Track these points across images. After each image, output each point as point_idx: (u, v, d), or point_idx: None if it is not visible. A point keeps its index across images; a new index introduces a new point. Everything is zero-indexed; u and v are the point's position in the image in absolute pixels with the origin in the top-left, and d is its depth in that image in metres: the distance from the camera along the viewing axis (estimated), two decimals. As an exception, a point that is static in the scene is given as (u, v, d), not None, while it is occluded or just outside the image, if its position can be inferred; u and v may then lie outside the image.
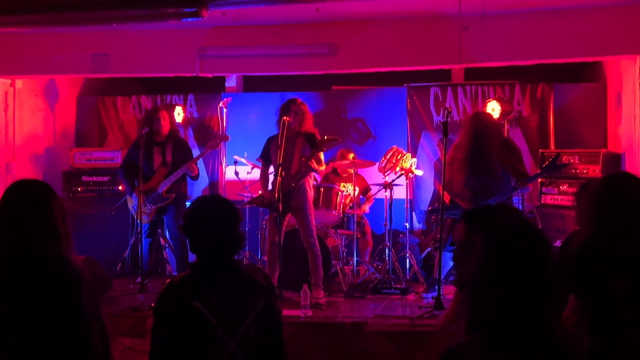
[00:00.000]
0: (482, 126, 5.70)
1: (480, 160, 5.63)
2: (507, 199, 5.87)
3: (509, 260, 1.82)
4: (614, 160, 6.94)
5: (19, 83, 7.93)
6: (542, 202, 6.99)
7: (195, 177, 6.97)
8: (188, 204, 7.27)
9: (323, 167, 6.35)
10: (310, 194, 6.25)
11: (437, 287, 5.54)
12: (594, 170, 6.65)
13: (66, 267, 2.43)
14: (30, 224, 2.46)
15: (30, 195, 2.53)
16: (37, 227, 2.46)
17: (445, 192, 5.78)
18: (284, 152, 5.86)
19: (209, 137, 8.19)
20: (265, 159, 6.40)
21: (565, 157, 6.85)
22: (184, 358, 2.54)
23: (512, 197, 6.06)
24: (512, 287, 1.80)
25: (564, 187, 6.81)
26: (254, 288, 2.67)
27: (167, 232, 7.23)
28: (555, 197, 6.89)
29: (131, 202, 6.91)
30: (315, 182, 6.99)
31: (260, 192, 6.70)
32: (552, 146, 7.60)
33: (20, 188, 2.58)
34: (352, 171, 7.21)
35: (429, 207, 7.82)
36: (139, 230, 6.62)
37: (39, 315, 2.36)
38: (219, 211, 2.72)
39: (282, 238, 5.83)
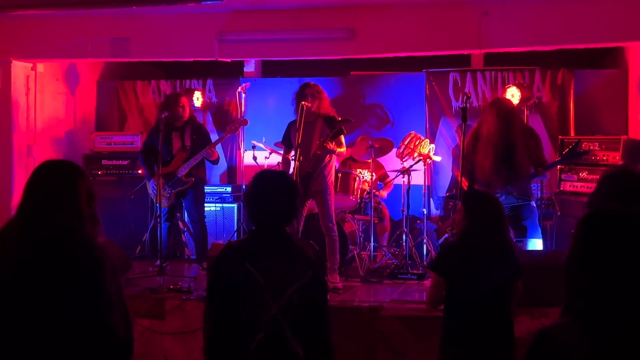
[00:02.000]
0: (507, 113, 5.68)
1: (504, 147, 5.61)
2: (526, 185, 5.87)
3: (607, 245, 1.78)
4: (635, 147, 6.86)
5: (40, 67, 8.01)
6: (561, 189, 6.94)
7: (215, 162, 7.03)
8: (206, 188, 7.32)
9: (343, 149, 6.33)
10: (332, 178, 6.26)
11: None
12: (614, 157, 6.59)
13: (90, 245, 2.46)
14: (53, 202, 2.49)
15: (55, 174, 2.57)
16: (61, 206, 2.49)
17: (463, 179, 5.77)
18: (303, 135, 5.87)
19: (227, 121, 8.24)
20: (286, 144, 6.43)
21: (585, 143, 6.77)
22: (234, 313, 2.73)
23: (531, 183, 6.05)
24: (611, 273, 1.75)
25: (584, 174, 6.76)
26: (303, 260, 2.84)
27: (186, 216, 7.29)
28: (575, 184, 6.84)
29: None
30: (337, 164, 6.99)
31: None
32: (572, 133, 7.54)
33: (46, 167, 2.61)
34: (369, 160, 7.20)
35: (447, 193, 7.81)
36: (158, 214, 6.68)
37: (62, 294, 2.39)
38: (272, 185, 2.96)
39: (302, 222, 5.84)
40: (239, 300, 2.73)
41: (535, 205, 6.01)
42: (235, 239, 7.69)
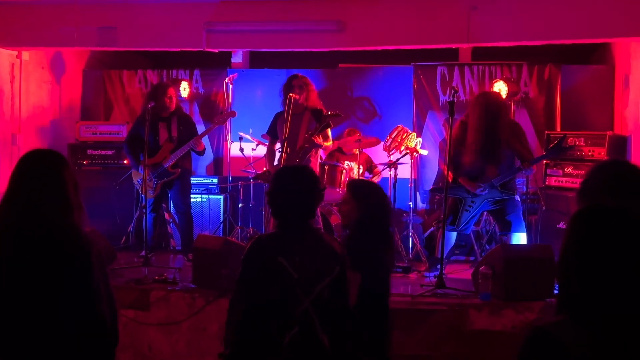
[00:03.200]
0: (494, 107, 5.73)
1: (490, 141, 5.68)
2: (510, 179, 5.91)
3: (605, 242, 1.76)
4: (620, 143, 6.92)
5: (25, 55, 7.92)
6: (547, 183, 6.98)
7: (202, 152, 7.00)
8: (192, 179, 7.29)
9: (330, 143, 6.35)
10: (316, 171, 6.25)
11: (439, 267, 5.58)
12: (600, 153, 6.64)
13: (77, 234, 2.46)
14: (40, 191, 2.48)
15: (42, 164, 2.56)
16: (48, 194, 2.48)
17: (449, 172, 5.80)
18: (290, 128, 5.86)
19: (214, 112, 8.21)
20: (272, 135, 6.44)
21: (571, 139, 6.83)
22: (264, 307, 2.78)
23: (516, 178, 6.09)
24: (609, 270, 1.73)
25: (569, 169, 6.80)
26: (331, 254, 2.91)
27: (172, 207, 7.26)
28: (560, 179, 6.88)
29: (137, 177, 6.93)
30: (320, 160, 7.00)
31: (265, 168, 6.73)
32: (558, 128, 7.58)
33: (32, 156, 2.61)
34: (357, 151, 7.19)
35: (432, 186, 7.83)
36: (143, 204, 6.65)
37: (49, 283, 2.39)
38: (297, 179, 3.00)
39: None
40: (272, 294, 2.78)
41: (519, 199, 6.06)
42: (222, 230, 7.68)
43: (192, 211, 7.04)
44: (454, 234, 6.12)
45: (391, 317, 3.58)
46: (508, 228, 5.95)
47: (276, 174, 3.11)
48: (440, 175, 7.78)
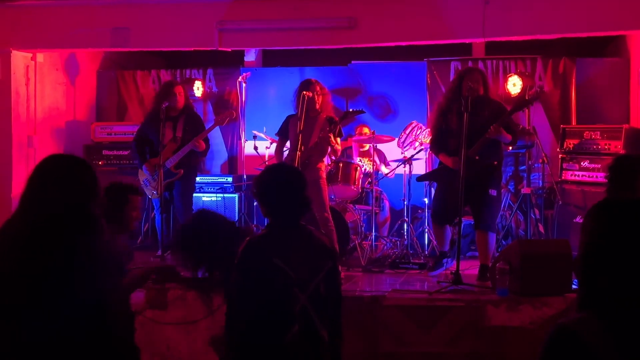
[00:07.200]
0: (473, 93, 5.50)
1: (473, 126, 5.43)
2: (485, 149, 5.56)
3: (624, 234, 1.73)
4: (636, 136, 6.85)
5: (40, 57, 7.97)
6: (563, 177, 6.93)
7: (204, 154, 6.92)
8: (208, 178, 7.29)
9: (339, 147, 6.32)
10: (324, 169, 6.23)
11: (443, 263, 5.54)
12: (616, 146, 6.58)
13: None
14: (57, 197, 2.46)
15: (59, 168, 2.54)
16: (65, 200, 2.46)
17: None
18: (304, 127, 5.85)
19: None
20: (282, 135, 6.38)
21: (586, 132, 6.80)
22: (264, 309, 2.78)
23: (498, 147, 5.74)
24: (628, 263, 1.70)
25: (585, 163, 6.76)
26: (323, 250, 2.96)
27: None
28: (576, 173, 6.83)
29: (142, 177, 6.83)
30: (333, 157, 6.98)
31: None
32: (574, 121, 7.52)
33: (51, 161, 2.57)
34: (366, 146, 7.16)
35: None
36: (159, 204, 6.64)
37: (61, 288, 2.34)
38: (291, 177, 3.03)
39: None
40: (270, 296, 2.79)
41: (495, 193, 5.62)
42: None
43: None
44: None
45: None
46: (477, 223, 5.67)
47: (270, 172, 3.10)
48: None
